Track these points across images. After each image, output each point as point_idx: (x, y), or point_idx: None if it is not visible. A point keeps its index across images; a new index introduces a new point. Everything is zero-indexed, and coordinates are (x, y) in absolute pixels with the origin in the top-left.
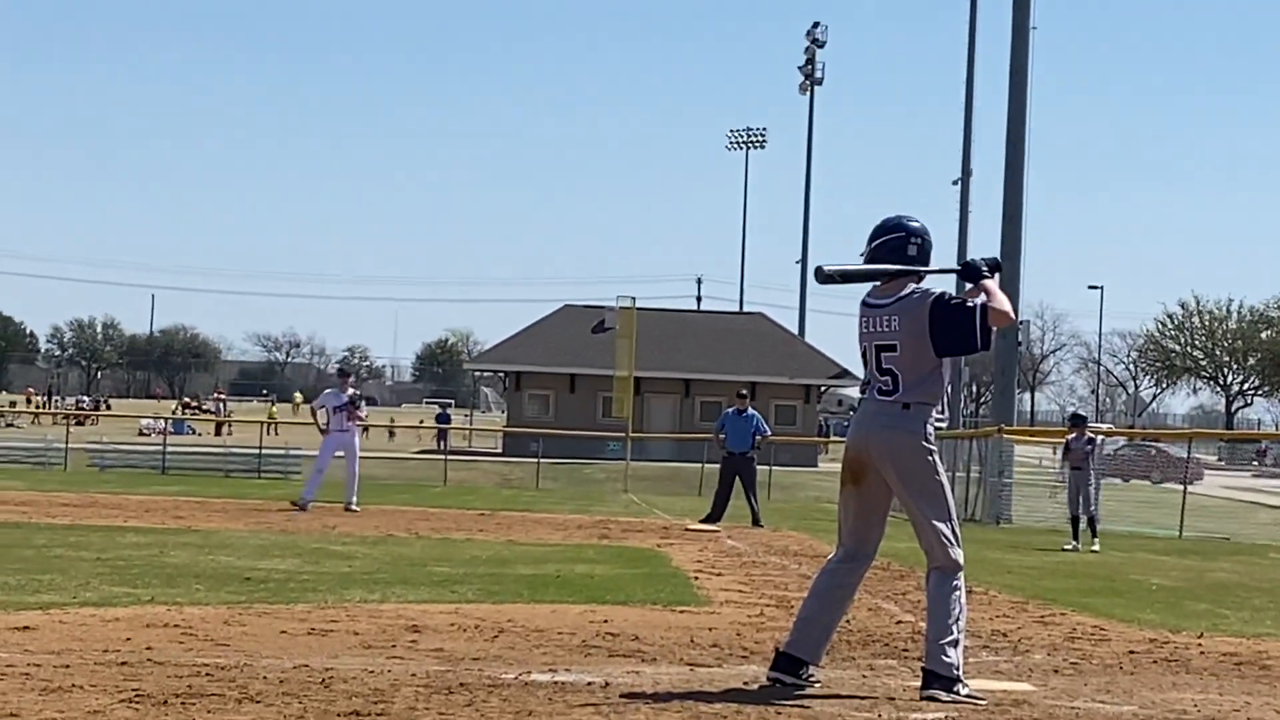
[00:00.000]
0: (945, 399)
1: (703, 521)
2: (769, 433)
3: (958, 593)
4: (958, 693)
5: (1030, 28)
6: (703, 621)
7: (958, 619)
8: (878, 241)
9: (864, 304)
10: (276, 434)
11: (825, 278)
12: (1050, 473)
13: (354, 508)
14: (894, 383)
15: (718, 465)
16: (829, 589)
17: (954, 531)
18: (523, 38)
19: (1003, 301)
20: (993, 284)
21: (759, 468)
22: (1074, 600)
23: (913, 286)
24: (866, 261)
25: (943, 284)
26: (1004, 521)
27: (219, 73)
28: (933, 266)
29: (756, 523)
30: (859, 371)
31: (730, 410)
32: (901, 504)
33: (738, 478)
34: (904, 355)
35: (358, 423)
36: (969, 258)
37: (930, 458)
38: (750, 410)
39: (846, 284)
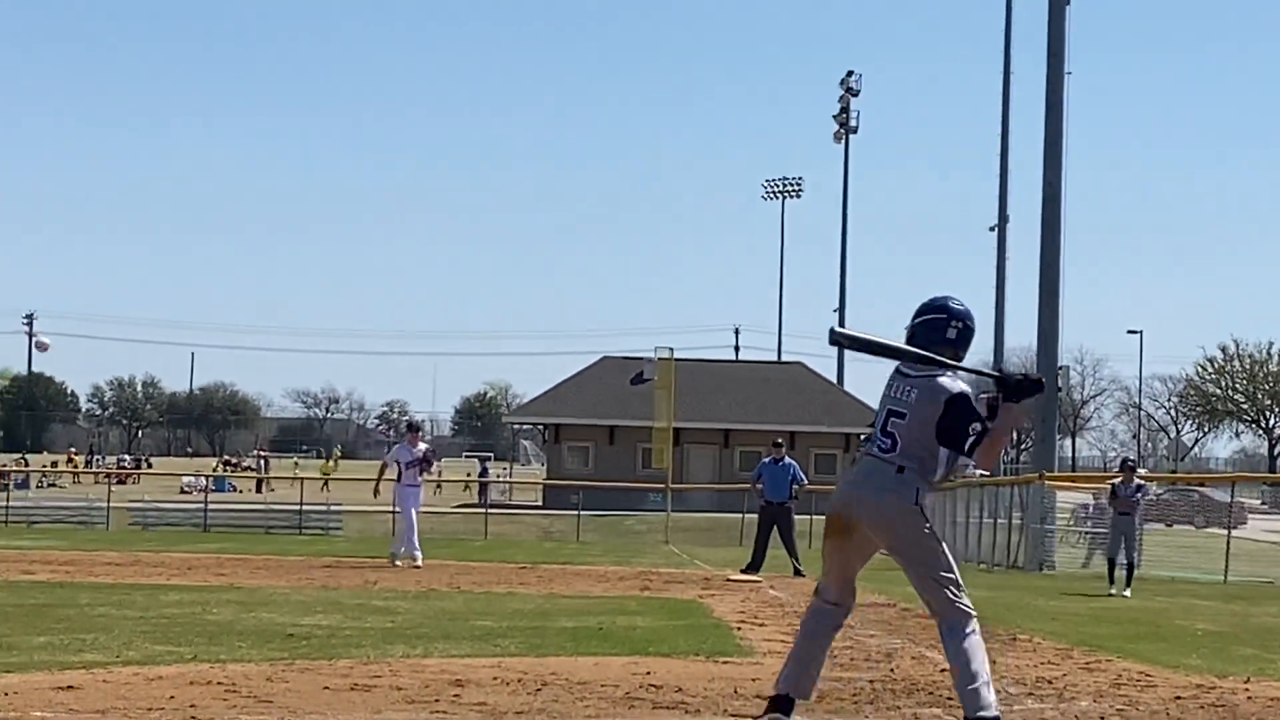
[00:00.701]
0: (940, 472)
1: (744, 571)
2: (805, 481)
3: (973, 636)
4: None
5: (1065, 73)
6: (746, 672)
7: (981, 661)
8: (919, 320)
9: (897, 369)
10: (328, 490)
11: (834, 339)
12: (1076, 517)
13: (417, 561)
14: (893, 444)
15: (757, 515)
16: (820, 631)
17: (956, 581)
18: (557, 91)
19: (1001, 442)
20: (1012, 415)
21: (797, 517)
22: (1119, 646)
23: (944, 372)
24: (908, 338)
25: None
26: (1047, 568)
27: (253, 135)
28: (970, 364)
29: (798, 572)
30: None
31: (767, 459)
32: (899, 564)
33: (776, 527)
34: (910, 427)
35: (427, 478)
36: (1011, 370)
37: (919, 519)
38: (787, 459)
39: (855, 351)
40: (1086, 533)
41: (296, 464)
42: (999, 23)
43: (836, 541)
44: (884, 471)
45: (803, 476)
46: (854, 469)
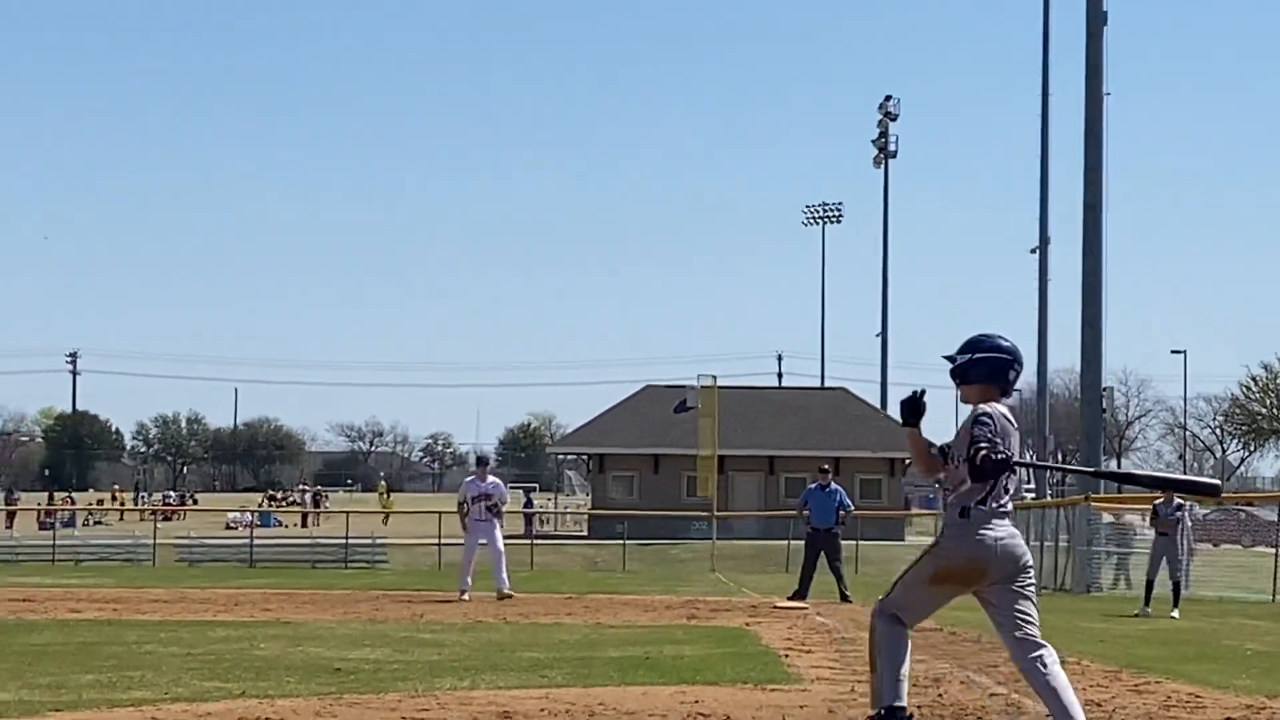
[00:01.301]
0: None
1: (790, 598)
2: (852, 508)
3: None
4: None
5: (1104, 94)
6: (794, 700)
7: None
8: (980, 356)
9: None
10: (387, 524)
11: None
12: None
13: (506, 592)
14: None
15: (804, 542)
16: (906, 649)
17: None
18: (597, 120)
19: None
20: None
21: (844, 542)
22: (1168, 667)
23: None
24: (962, 368)
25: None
26: (1094, 590)
27: (294, 171)
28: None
29: (845, 598)
30: (943, 443)
31: (814, 486)
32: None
33: (823, 553)
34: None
35: (497, 512)
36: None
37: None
38: (833, 485)
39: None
40: (1110, 552)
41: (351, 495)
42: (1037, 45)
43: (958, 588)
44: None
45: (849, 503)
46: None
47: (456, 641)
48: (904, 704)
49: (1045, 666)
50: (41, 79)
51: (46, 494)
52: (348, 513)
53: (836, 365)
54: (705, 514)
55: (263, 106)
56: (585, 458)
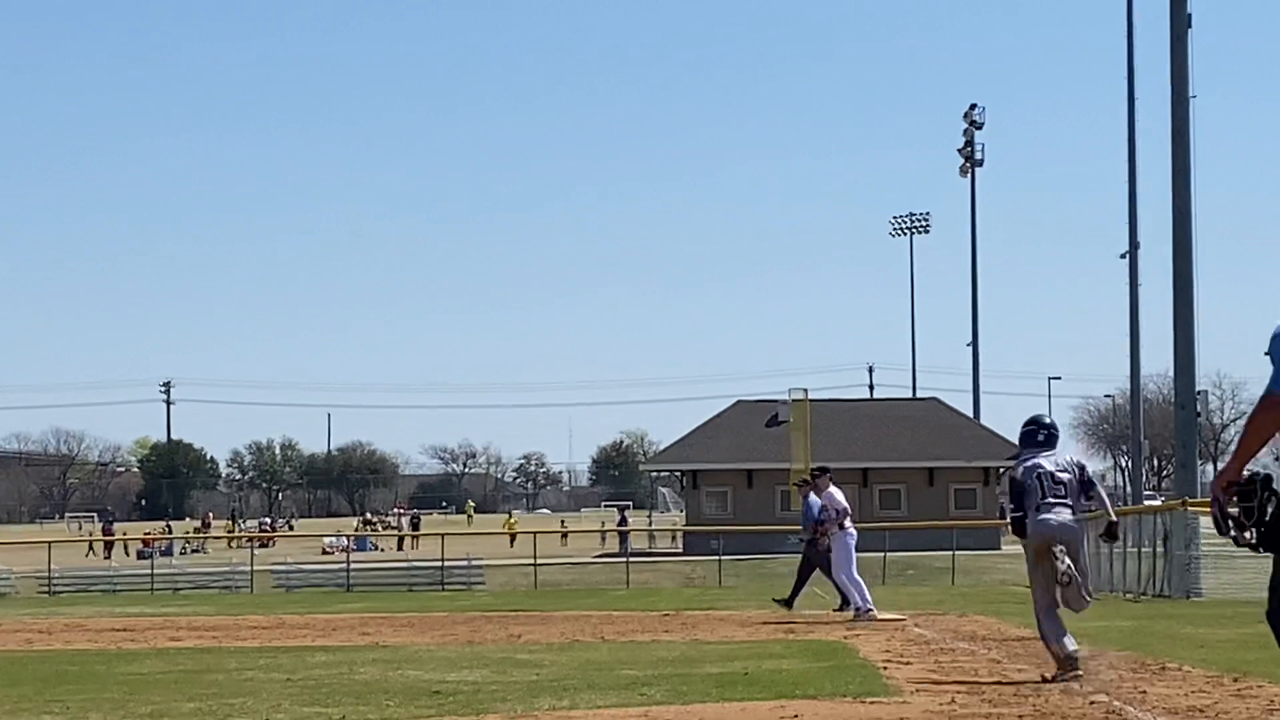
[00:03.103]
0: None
1: (777, 600)
2: (828, 518)
3: None
4: None
5: (1190, 96)
6: (893, 712)
7: None
8: (1050, 431)
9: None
10: (513, 546)
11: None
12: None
13: (852, 611)
14: None
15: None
16: None
17: None
18: (685, 138)
19: None
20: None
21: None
22: (1271, 671)
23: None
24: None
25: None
26: (1194, 595)
27: (382, 195)
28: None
29: (844, 605)
30: None
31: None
32: None
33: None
34: None
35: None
36: None
37: None
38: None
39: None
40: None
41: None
42: (1121, 50)
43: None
44: None
45: (817, 516)
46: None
47: (554, 661)
48: None
49: None
50: (135, 108)
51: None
52: (443, 534)
53: (928, 375)
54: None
55: (346, 133)
56: (678, 474)
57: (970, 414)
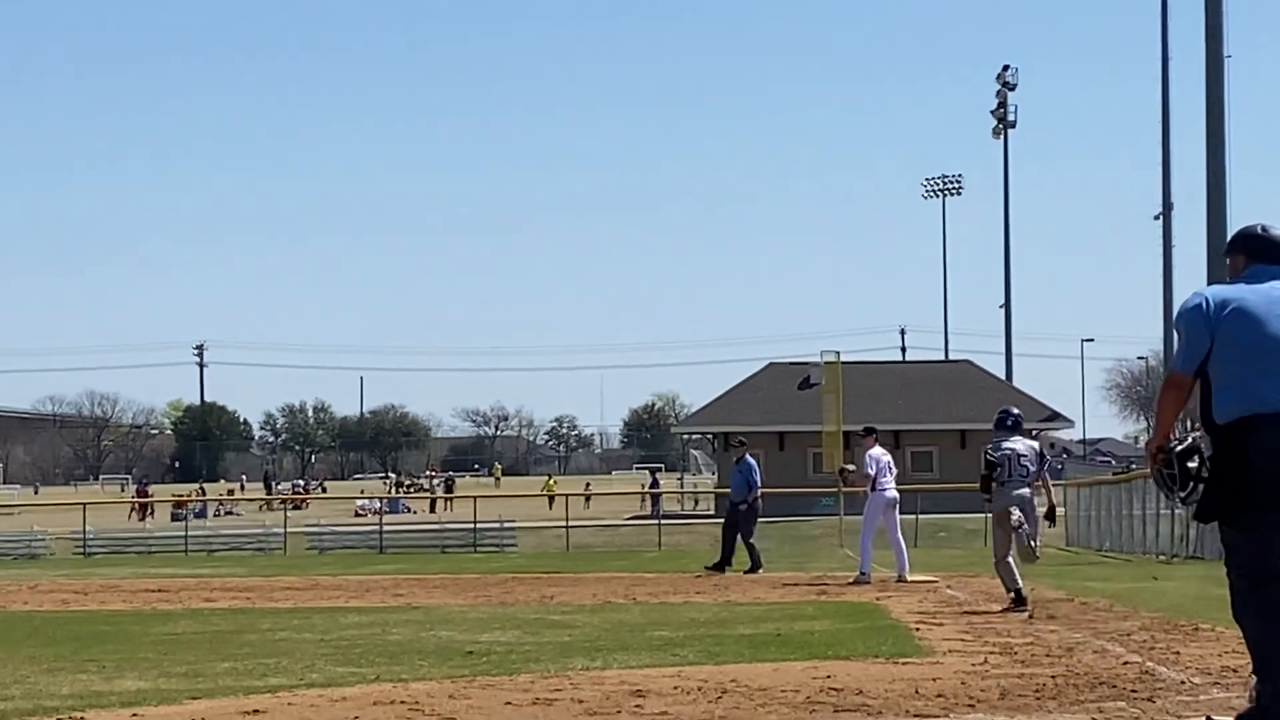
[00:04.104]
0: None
1: (709, 568)
2: (754, 486)
3: None
4: None
5: (1224, 56)
6: (926, 673)
7: None
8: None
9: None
10: (552, 508)
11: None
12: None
13: (906, 578)
14: None
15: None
16: None
17: None
18: (715, 98)
19: None
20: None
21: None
22: None
23: None
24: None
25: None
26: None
27: (415, 159)
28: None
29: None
30: (1069, 414)
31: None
32: None
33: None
34: None
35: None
36: None
37: None
38: (748, 459)
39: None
40: None
41: (478, 480)
42: (1155, 10)
43: None
44: None
45: (749, 480)
46: None
47: (587, 623)
48: None
49: None
50: (173, 74)
51: (176, 486)
52: (475, 497)
53: (960, 338)
54: (832, 490)
55: (377, 96)
56: (710, 437)
57: (1003, 376)
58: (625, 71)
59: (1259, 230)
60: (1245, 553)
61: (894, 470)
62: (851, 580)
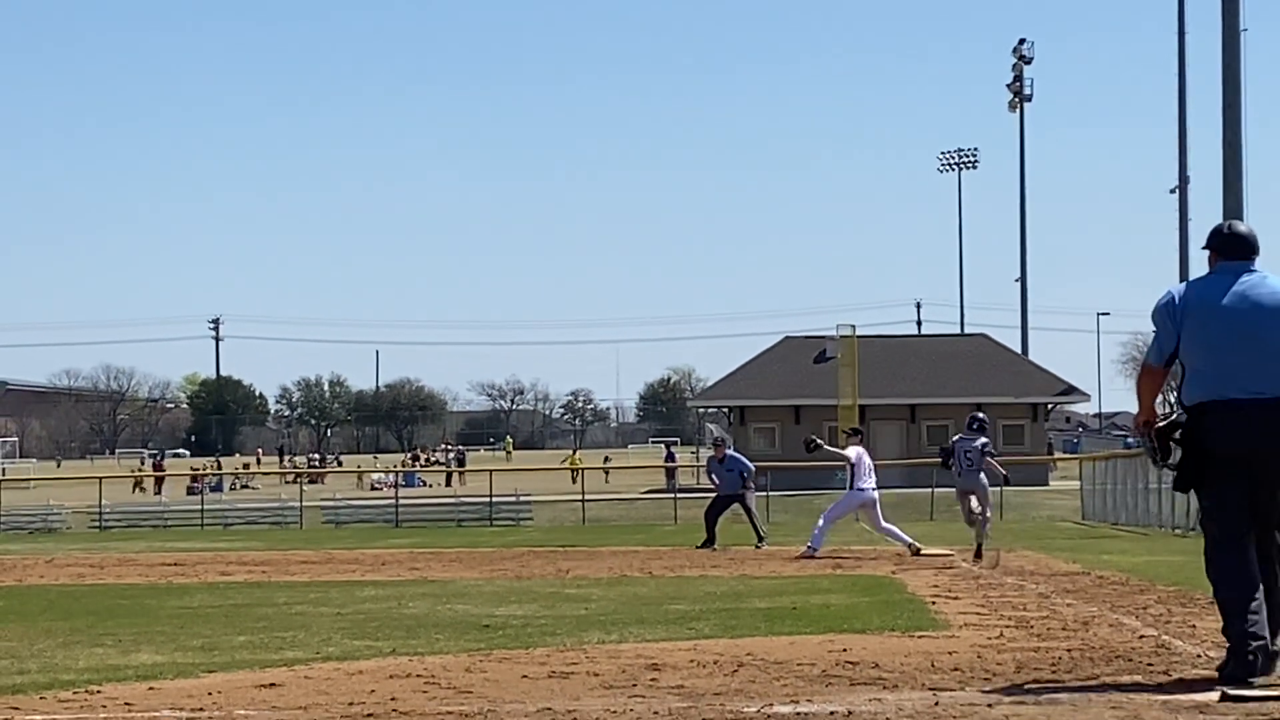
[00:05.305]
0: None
1: (700, 547)
2: (752, 469)
3: None
4: None
5: (1240, 29)
6: (942, 646)
7: None
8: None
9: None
10: (575, 482)
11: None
12: None
13: (920, 549)
14: None
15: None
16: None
17: None
18: (731, 71)
19: None
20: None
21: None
22: None
23: None
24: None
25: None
26: None
27: (422, 130)
28: None
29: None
30: (1085, 388)
31: (712, 458)
32: None
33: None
34: None
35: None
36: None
37: None
38: (730, 453)
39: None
40: None
41: (494, 454)
42: None
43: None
44: None
45: (751, 467)
46: None
47: (603, 596)
48: None
49: None
50: (192, 47)
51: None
52: (490, 470)
53: (976, 312)
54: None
55: (394, 67)
56: (726, 410)
57: (1019, 350)
58: (642, 49)
59: (1224, 229)
60: (1213, 514)
61: (874, 474)
62: (799, 554)
